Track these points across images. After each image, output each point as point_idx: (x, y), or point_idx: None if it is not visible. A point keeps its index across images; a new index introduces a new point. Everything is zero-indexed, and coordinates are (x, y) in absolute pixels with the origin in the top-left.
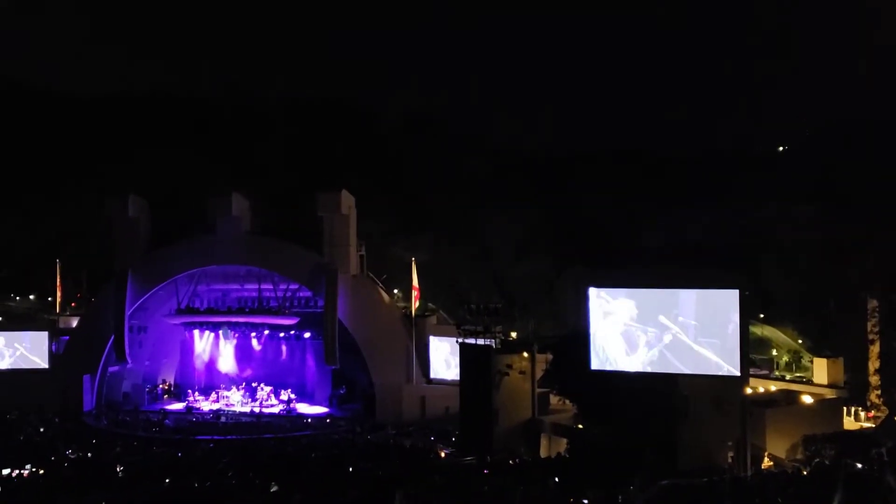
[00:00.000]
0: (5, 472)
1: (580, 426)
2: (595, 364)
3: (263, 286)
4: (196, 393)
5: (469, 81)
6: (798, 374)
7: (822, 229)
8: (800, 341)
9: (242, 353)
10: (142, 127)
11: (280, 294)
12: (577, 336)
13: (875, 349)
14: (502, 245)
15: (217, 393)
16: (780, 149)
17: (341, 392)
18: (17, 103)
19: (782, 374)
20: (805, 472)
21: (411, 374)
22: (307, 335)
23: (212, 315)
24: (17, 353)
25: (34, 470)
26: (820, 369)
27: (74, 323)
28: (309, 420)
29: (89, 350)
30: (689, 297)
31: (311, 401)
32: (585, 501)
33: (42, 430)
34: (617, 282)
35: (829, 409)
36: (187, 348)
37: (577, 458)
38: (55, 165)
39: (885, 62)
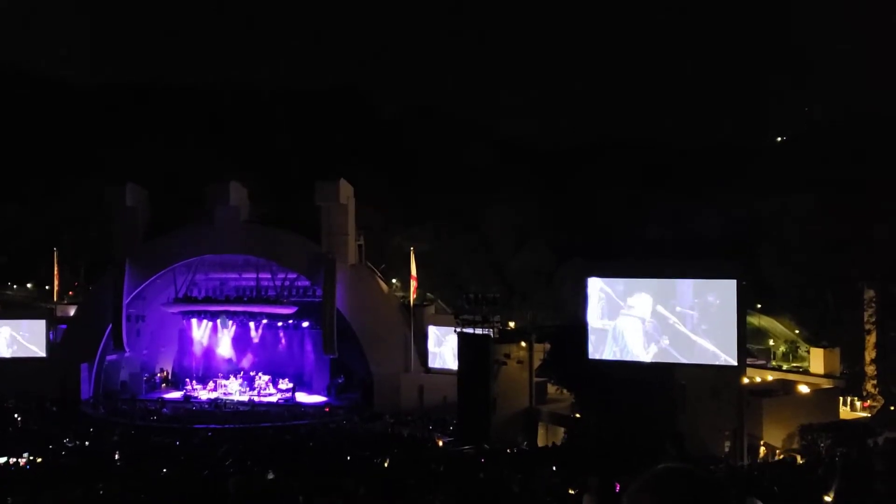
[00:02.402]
0: (2, 460)
1: (578, 415)
2: (593, 354)
3: (262, 275)
4: (194, 382)
5: (472, 72)
6: (795, 364)
7: (821, 220)
8: (797, 331)
9: (240, 342)
10: (141, 115)
11: (278, 283)
12: (575, 326)
13: (872, 339)
14: (502, 235)
15: (215, 382)
16: (779, 139)
17: (339, 381)
18: (18, 90)
19: (779, 363)
20: (801, 462)
21: (409, 363)
22: (305, 324)
23: (210, 304)
24: (15, 341)
25: (31, 458)
26: (817, 359)
27: (72, 311)
28: (307, 409)
29: (87, 338)
30: (686, 287)
31: (310, 390)
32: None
33: (39, 418)
34: (615, 272)
35: (825, 399)
36: (185, 337)
37: (575, 447)
38: (54, 153)
39: (885, 56)
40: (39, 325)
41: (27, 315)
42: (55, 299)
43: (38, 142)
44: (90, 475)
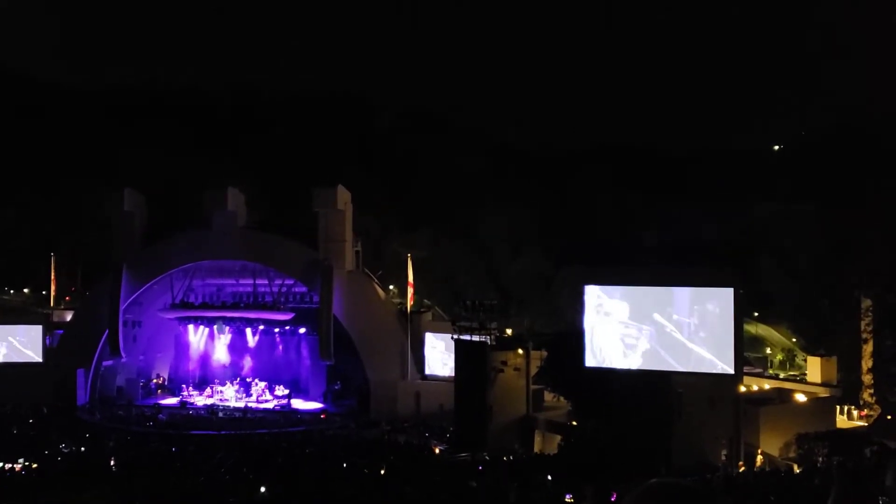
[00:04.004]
0: None
1: (574, 423)
2: (590, 361)
3: (258, 281)
4: (190, 388)
5: (469, 78)
6: (792, 373)
7: (819, 229)
8: (794, 340)
9: (237, 348)
10: (139, 120)
11: (275, 289)
12: (573, 333)
13: (868, 348)
14: (500, 241)
15: (211, 388)
16: (776, 148)
17: (336, 388)
18: (15, 95)
19: (776, 372)
20: (798, 471)
21: (406, 370)
22: (302, 331)
23: (206, 310)
24: (11, 346)
25: (27, 464)
26: (813, 368)
27: (69, 317)
28: (303, 416)
29: (83, 344)
30: (683, 296)
31: (306, 396)
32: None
33: (35, 423)
34: (613, 280)
35: (822, 408)
36: (181, 343)
37: (571, 455)
38: (52, 158)
39: (885, 63)
40: (36, 331)
41: (24, 320)
42: (52, 305)
43: (37, 145)
44: (86, 481)
